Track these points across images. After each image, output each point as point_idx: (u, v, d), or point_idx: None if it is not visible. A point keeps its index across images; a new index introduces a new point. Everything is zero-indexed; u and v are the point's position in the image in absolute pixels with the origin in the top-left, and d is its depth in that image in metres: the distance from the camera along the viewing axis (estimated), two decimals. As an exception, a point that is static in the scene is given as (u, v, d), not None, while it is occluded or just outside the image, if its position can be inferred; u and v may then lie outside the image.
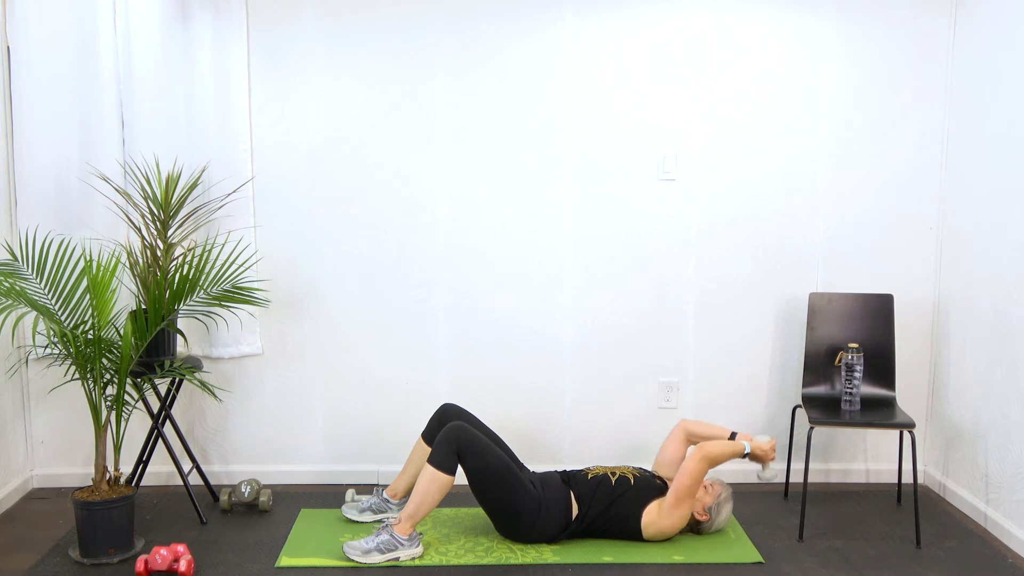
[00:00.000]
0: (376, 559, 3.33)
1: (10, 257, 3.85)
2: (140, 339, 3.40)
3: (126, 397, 3.50)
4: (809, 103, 4.05)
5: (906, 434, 4.06)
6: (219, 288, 3.65)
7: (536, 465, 4.21)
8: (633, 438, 4.22)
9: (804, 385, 3.94)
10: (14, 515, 3.82)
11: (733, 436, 3.64)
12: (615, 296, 4.13)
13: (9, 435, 3.93)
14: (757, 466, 3.68)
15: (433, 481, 3.31)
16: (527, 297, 4.12)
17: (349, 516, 3.73)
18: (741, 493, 4.09)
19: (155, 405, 4.07)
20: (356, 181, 4.04)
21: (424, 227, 4.07)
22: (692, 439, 3.72)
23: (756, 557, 3.41)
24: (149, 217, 3.67)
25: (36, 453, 4.12)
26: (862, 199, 4.10)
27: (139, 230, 3.72)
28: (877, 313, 3.93)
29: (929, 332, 4.18)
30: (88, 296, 3.30)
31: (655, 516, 3.47)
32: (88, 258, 3.30)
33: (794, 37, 4.01)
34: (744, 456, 3.52)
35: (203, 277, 3.55)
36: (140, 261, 3.66)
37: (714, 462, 3.46)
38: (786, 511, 3.88)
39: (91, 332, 3.30)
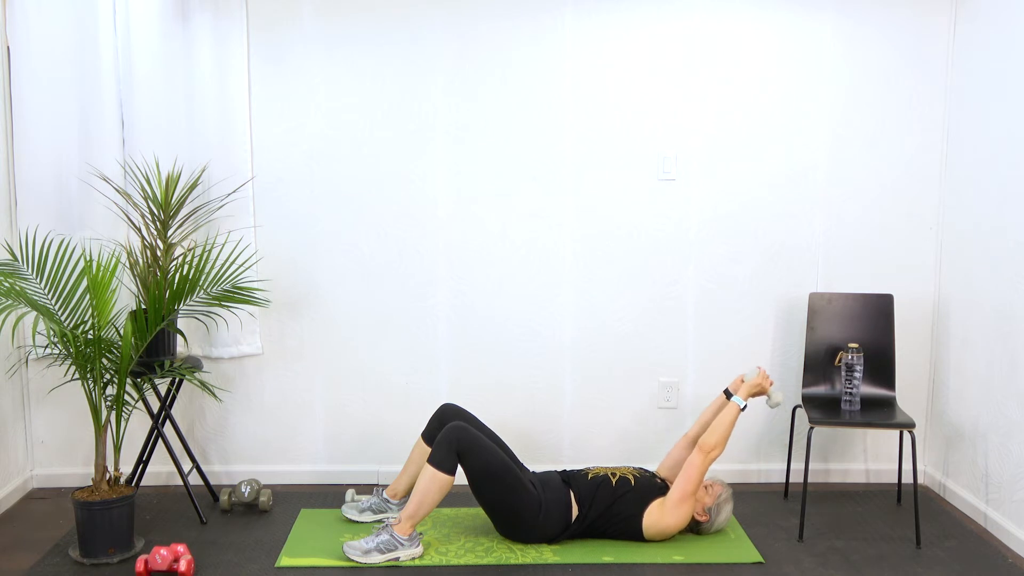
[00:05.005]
0: (376, 559, 3.33)
1: (10, 257, 3.85)
2: (140, 339, 3.40)
3: (126, 397, 3.50)
4: (809, 103, 4.05)
5: (906, 434, 4.06)
6: (219, 288, 3.66)
7: (536, 465, 4.21)
8: (633, 438, 4.22)
9: (804, 385, 3.94)
10: (14, 515, 3.82)
11: (728, 394, 3.63)
12: (615, 296, 4.13)
13: (9, 435, 3.93)
14: (764, 399, 3.69)
15: (433, 481, 3.31)
16: (527, 297, 4.12)
17: (349, 516, 3.73)
18: (741, 493, 4.09)
19: (155, 405, 4.07)
20: (356, 181, 4.03)
21: (424, 227, 4.07)
22: (697, 435, 3.70)
23: (756, 557, 3.41)
24: (149, 217, 3.67)
25: (36, 453, 4.12)
26: (862, 199, 4.10)
27: (139, 230, 3.72)
28: (877, 313, 3.93)
29: (929, 332, 4.18)
30: (88, 296, 3.30)
31: (657, 516, 3.47)
32: (88, 258, 3.30)
33: (794, 37, 4.01)
34: (743, 408, 3.52)
35: (203, 277, 3.55)
36: (140, 261, 3.66)
37: (718, 447, 3.44)
38: (786, 511, 3.89)
39: (91, 332, 3.30)
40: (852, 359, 3.70)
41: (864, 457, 4.25)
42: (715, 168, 4.07)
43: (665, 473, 3.71)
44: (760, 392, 3.58)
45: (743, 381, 3.59)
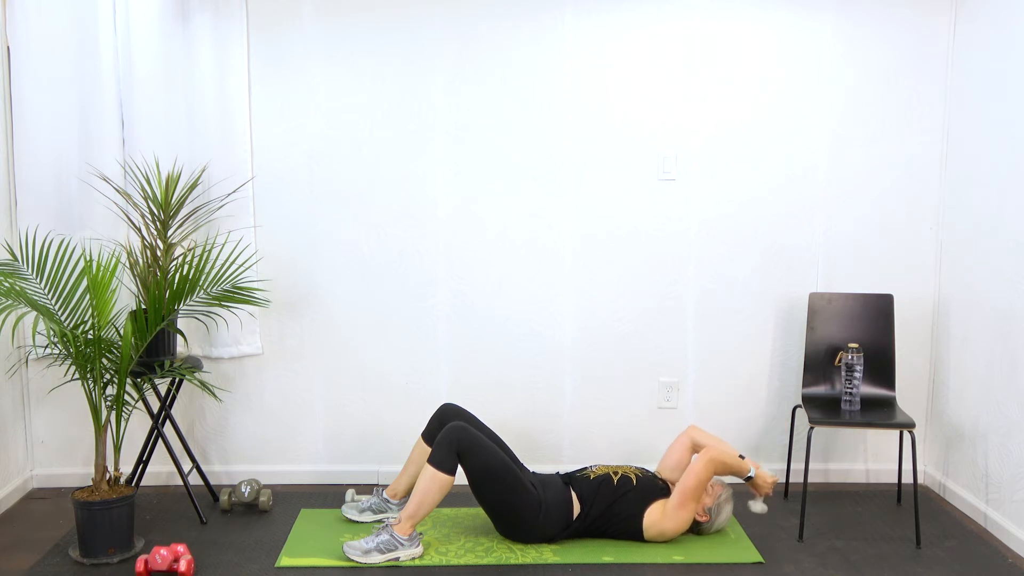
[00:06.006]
0: (376, 559, 3.33)
1: (10, 257, 3.85)
2: (140, 339, 3.40)
3: (126, 397, 3.50)
4: (809, 103, 4.05)
5: (906, 434, 4.06)
6: (219, 288, 3.66)
7: (537, 466, 4.21)
8: (634, 438, 4.22)
9: (804, 385, 3.94)
10: (14, 515, 3.82)
11: (741, 457, 3.64)
12: (615, 296, 4.13)
13: (9, 435, 3.93)
14: (751, 495, 3.80)
15: (433, 481, 3.31)
16: (527, 297, 4.12)
17: (349, 516, 3.73)
18: (741, 493, 4.09)
19: (155, 405, 4.07)
20: (356, 181, 4.04)
21: (424, 227, 4.07)
22: (698, 448, 3.71)
23: (756, 557, 3.41)
24: (149, 217, 3.67)
25: (36, 453, 4.12)
26: (862, 199, 4.10)
27: (139, 230, 3.72)
28: (877, 313, 3.93)
29: (929, 332, 4.18)
30: (88, 296, 3.30)
31: (658, 517, 3.47)
32: (88, 258, 3.30)
33: (794, 37, 4.01)
34: (745, 479, 3.55)
35: (203, 277, 3.55)
36: (140, 261, 3.66)
37: (720, 469, 3.48)
38: (786, 511, 3.89)
39: (91, 332, 3.30)
40: (852, 359, 3.70)
41: (864, 457, 4.25)
42: (715, 168, 4.07)
43: (666, 474, 3.71)
44: (758, 489, 3.57)
45: (759, 467, 3.61)
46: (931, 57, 4.03)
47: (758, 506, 3.62)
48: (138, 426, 4.12)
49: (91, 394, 3.36)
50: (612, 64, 4.01)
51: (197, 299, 3.61)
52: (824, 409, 3.72)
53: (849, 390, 3.71)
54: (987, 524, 3.72)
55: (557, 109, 4.02)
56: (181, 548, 3.20)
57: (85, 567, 3.32)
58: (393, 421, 4.17)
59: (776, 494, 4.07)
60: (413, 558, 3.36)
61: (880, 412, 3.69)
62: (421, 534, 3.43)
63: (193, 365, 3.79)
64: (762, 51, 4.01)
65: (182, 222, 3.77)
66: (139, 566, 3.16)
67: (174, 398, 3.89)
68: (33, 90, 3.83)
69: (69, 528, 3.68)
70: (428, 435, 3.68)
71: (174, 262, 3.68)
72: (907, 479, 4.15)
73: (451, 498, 3.97)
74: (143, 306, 3.61)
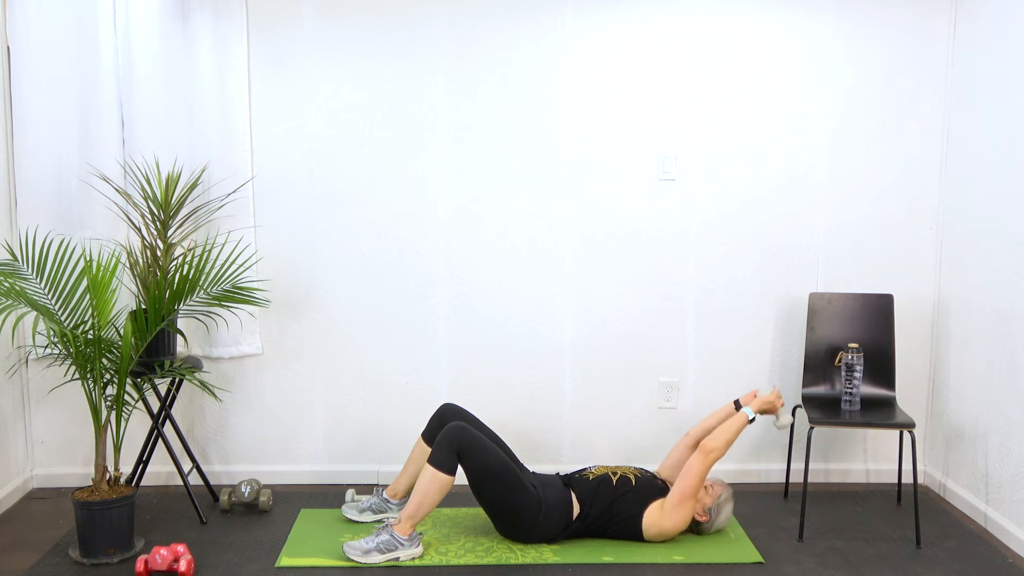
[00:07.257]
0: (376, 559, 3.33)
1: (10, 257, 3.85)
2: (140, 339, 3.40)
3: (126, 397, 3.50)
4: (809, 103, 4.05)
5: (906, 434, 4.06)
6: (219, 288, 3.66)
7: (537, 466, 4.21)
8: (633, 438, 4.22)
9: (804, 385, 3.94)
10: (14, 515, 3.82)
11: (738, 405, 3.63)
12: (615, 296, 4.13)
13: (9, 435, 3.93)
14: (772, 418, 3.77)
15: (433, 481, 3.31)
16: (527, 297, 4.12)
17: (349, 516, 3.73)
18: (741, 493, 4.09)
19: (155, 405, 4.07)
20: (356, 181, 4.04)
21: (424, 227, 4.07)
22: (700, 437, 3.70)
23: (756, 557, 3.42)
24: (149, 217, 3.67)
25: (36, 453, 4.12)
26: (862, 199, 4.10)
27: (139, 230, 3.72)
28: (877, 313, 3.93)
29: (929, 332, 4.18)
30: (88, 296, 3.30)
31: (657, 517, 3.47)
32: (88, 258, 3.30)
33: (794, 37, 4.01)
34: (751, 421, 3.52)
35: (203, 277, 3.55)
36: (140, 261, 3.66)
37: (719, 451, 3.44)
38: (786, 511, 3.89)
39: (91, 332, 3.31)
40: (852, 359, 3.70)
41: (864, 457, 4.25)
42: (715, 168, 4.07)
43: (666, 474, 3.72)
44: (770, 410, 3.57)
45: (756, 395, 3.60)
46: (931, 57, 4.03)
47: (783, 420, 3.55)
48: (138, 426, 4.12)
49: (91, 394, 3.36)
50: (612, 64, 4.01)
51: (197, 299, 3.61)
52: (824, 409, 3.72)
53: (849, 390, 3.71)
54: (987, 524, 3.72)
55: (557, 109, 4.02)
56: (181, 548, 3.20)
57: (85, 567, 3.32)
58: (393, 421, 4.17)
59: (776, 494, 4.07)
60: (413, 558, 3.36)
61: (880, 412, 3.69)
62: (421, 534, 3.44)
63: (193, 365, 3.79)
64: (762, 51, 4.01)
65: (182, 222, 3.77)
66: (139, 566, 3.16)
67: (174, 398, 3.89)
68: (33, 90, 3.83)
69: (69, 528, 3.68)
70: (428, 435, 3.68)
71: (174, 262, 3.68)
72: (907, 479, 4.15)
73: (451, 498, 3.97)
74: (143, 306, 3.61)
